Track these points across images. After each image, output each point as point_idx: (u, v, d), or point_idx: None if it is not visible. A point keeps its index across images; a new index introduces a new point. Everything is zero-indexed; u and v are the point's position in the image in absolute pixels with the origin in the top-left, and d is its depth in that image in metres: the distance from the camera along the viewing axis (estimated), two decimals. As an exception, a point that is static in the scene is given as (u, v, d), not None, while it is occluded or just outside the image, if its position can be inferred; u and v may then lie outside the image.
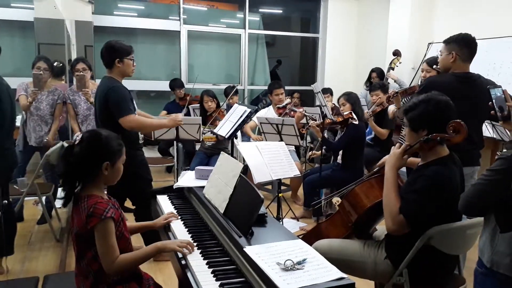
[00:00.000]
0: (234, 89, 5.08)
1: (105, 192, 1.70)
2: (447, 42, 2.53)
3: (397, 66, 5.18)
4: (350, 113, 3.70)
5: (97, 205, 1.52)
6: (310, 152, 4.40)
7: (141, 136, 3.62)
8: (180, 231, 1.83)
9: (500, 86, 1.86)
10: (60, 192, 4.21)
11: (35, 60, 3.68)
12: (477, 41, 2.53)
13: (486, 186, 1.40)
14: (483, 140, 2.60)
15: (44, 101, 3.73)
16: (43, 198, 3.53)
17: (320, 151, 3.93)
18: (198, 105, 4.81)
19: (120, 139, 1.66)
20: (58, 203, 4.02)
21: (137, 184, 2.83)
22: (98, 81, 4.52)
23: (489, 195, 1.39)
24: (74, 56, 4.98)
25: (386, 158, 2.15)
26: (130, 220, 1.94)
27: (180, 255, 1.59)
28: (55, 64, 3.97)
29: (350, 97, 3.86)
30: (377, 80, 5.41)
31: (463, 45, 2.47)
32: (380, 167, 2.17)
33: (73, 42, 5.26)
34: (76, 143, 1.57)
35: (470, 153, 2.43)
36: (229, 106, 4.41)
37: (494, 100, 1.78)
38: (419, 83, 3.24)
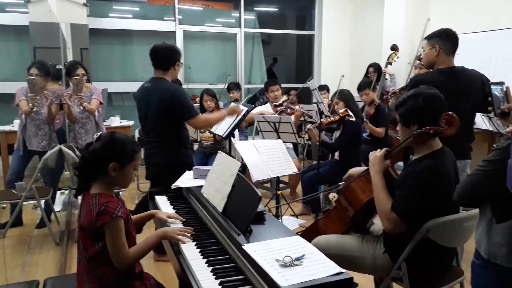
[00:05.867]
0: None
1: (120, 191, 1.74)
2: (429, 37, 2.56)
3: (395, 61, 5.19)
4: (346, 110, 3.70)
5: (109, 203, 1.55)
6: (309, 126, 4.15)
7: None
8: (179, 230, 1.84)
9: (502, 83, 1.83)
10: (58, 196, 4.22)
11: (29, 66, 3.69)
12: (472, 34, 2.54)
13: (481, 176, 1.40)
14: (473, 133, 2.60)
15: (44, 105, 3.71)
16: (42, 202, 3.53)
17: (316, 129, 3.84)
18: (197, 104, 4.81)
19: (138, 145, 1.70)
20: (57, 207, 4.02)
21: None
22: (94, 84, 4.56)
23: (485, 185, 1.40)
24: (70, 59, 4.97)
25: (351, 171, 2.24)
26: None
27: (180, 257, 1.60)
28: (57, 67, 3.97)
29: (342, 95, 3.85)
30: (374, 75, 5.42)
31: (445, 38, 2.49)
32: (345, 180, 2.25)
33: (68, 45, 5.26)
34: (94, 140, 1.64)
35: (461, 146, 2.42)
36: (229, 103, 4.42)
37: (493, 97, 1.76)
38: None
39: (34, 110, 3.62)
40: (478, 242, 1.51)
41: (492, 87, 1.76)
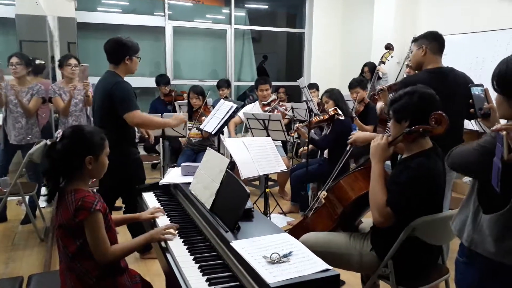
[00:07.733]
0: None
1: (96, 189, 1.71)
2: (416, 39, 2.62)
3: (388, 60, 5.22)
4: (335, 109, 3.71)
5: (86, 198, 1.53)
6: (301, 149, 4.40)
7: (137, 134, 3.57)
8: (166, 227, 1.83)
9: (481, 85, 1.85)
10: (44, 191, 4.15)
11: (9, 56, 3.70)
12: (460, 35, 2.57)
13: (476, 150, 1.43)
14: (461, 134, 2.62)
15: (24, 98, 3.68)
16: (27, 197, 3.48)
17: (308, 147, 3.95)
18: (185, 101, 4.80)
19: (103, 133, 1.67)
20: (42, 203, 3.97)
21: (131, 183, 2.75)
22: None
23: (477, 158, 1.42)
24: (57, 53, 4.90)
25: (356, 135, 2.24)
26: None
27: (168, 254, 1.59)
28: (37, 62, 3.94)
29: (332, 94, 3.86)
30: (369, 74, 5.45)
31: (432, 39, 2.55)
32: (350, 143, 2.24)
33: (56, 39, 5.17)
34: (57, 140, 1.58)
35: (448, 147, 2.44)
36: (218, 100, 4.42)
37: (474, 99, 1.78)
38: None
39: (13, 102, 3.63)
40: (459, 230, 1.50)
41: (472, 89, 1.78)
